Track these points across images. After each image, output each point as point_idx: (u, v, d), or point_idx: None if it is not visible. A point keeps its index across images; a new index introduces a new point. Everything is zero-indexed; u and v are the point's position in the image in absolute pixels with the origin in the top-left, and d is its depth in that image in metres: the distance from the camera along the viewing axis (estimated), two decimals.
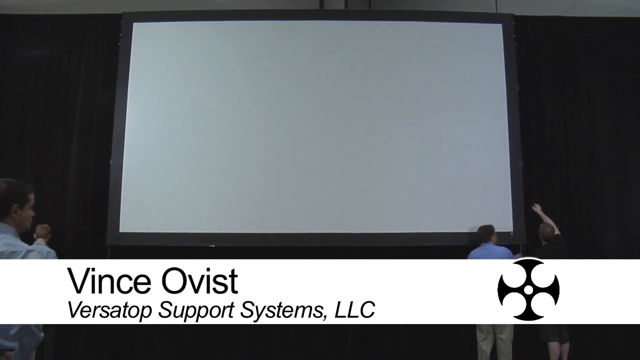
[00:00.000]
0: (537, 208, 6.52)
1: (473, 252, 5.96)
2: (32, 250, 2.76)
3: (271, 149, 6.51)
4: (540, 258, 5.81)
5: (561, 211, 6.74)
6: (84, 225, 6.62)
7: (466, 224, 6.35)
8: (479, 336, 5.89)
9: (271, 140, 6.53)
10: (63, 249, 6.25)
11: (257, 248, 6.35)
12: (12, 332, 2.57)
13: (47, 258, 5.54)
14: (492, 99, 6.66)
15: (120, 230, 6.34)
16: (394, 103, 6.62)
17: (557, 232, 6.17)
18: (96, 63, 6.95)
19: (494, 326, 5.83)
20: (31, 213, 2.93)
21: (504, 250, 5.88)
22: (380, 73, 6.69)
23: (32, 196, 2.93)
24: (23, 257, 2.67)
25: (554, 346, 5.81)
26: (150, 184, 6.41)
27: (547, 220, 6.27)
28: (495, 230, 6.10)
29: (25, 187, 2.93)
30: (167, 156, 6.50)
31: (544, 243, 6.07)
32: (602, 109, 7.00)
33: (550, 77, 7.01)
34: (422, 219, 6.41)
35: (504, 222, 6.27)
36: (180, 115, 6.57)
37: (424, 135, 6.58)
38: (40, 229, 6.23)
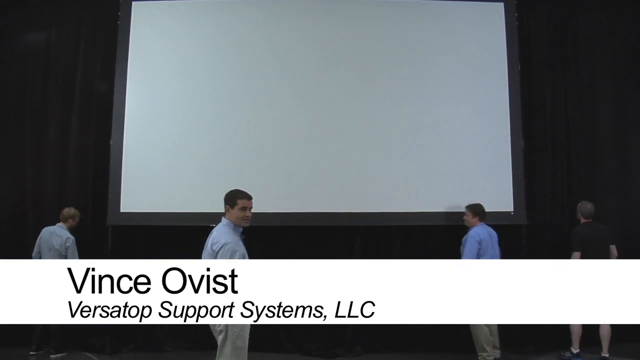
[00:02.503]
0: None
1: (479, 231, 5.79)
2: (226, 244, 3.70)
3: (272, 129, 6.46)
4: (581, 238, 5.72)
5: (562, 191, 6.76)
6: (84, 205, 6.60)
7: (467, 204, 6.34)
8: None
9: (272, 120, 6.48)
10: None
11: (258, 227, 6.37)
12: None
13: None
14: (494, 78, 6.59)
15: (121, 210, 6.34)
16: (395, 83, 6.55)
17: None
18: (95, 42, 6.87)
19: None
20: (240, 214, 4.04)
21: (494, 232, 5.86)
22: (381, 52, 6.60)
23: (240, 201, 4.06)
24: (220, 248, 3.64)
25: (575, 327, 5.82)
26: (151, 164, 6.39)
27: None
28: (496, 210, 6.13)
29: (236, 194, 4.11)
30: (168, 136, 6.45)
31: (583, 221, 5.97)
32: (603, 88, 6.95)
33: (552, 57, 6.93)
34: (423, 198, 6.39)
35: (505, 202, 6.27)
36: (180, 94, 6.51)
37: (425, 114, 6.52)
38: (67, 211, 6.22)
